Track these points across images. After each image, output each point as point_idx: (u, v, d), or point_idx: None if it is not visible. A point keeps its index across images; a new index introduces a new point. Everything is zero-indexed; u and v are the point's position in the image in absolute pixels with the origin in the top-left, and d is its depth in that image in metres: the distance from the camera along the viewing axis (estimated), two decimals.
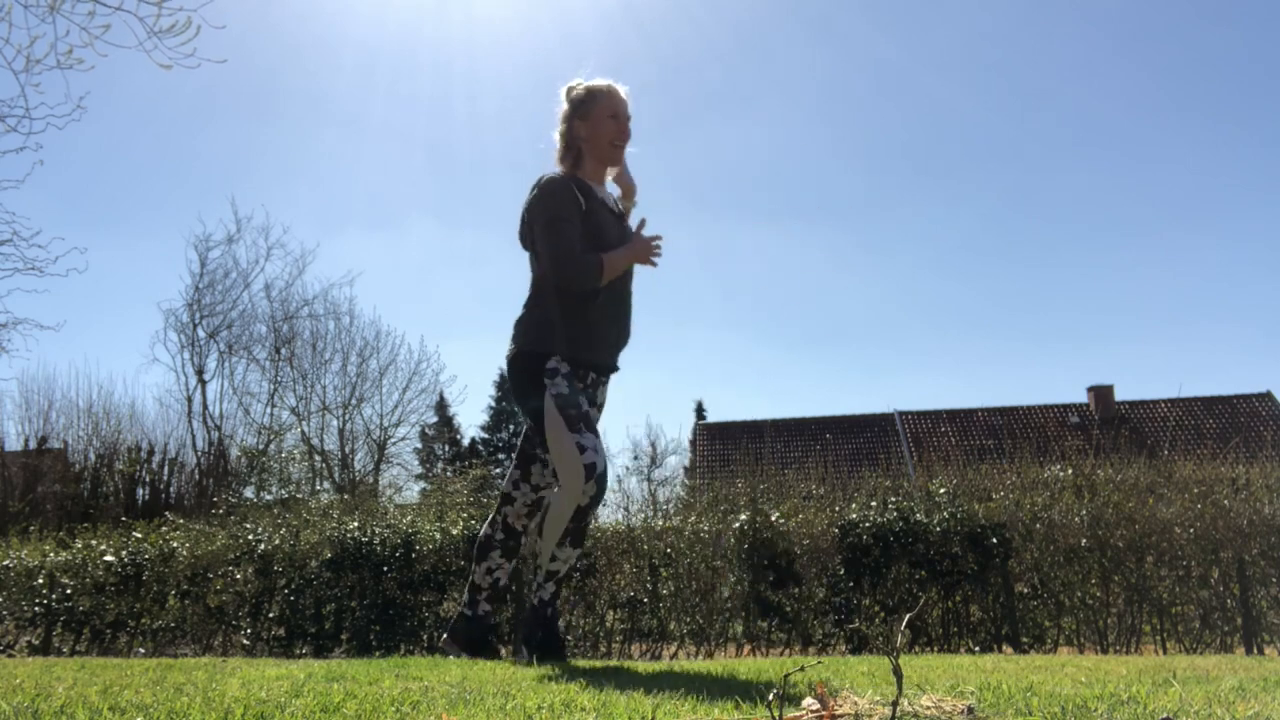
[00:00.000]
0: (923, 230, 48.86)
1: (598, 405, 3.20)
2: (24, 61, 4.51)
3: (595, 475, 2.85)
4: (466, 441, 35.35)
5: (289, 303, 20.79)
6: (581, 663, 3.20)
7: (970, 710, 1.63)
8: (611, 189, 3.33)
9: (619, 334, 3.18)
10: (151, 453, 15.97)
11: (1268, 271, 45.22)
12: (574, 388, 3.00)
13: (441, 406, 30.70)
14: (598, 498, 2.88)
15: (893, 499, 5.69)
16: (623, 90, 3.20)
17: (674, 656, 5.47)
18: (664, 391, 45.87)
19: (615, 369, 3.24)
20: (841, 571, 5.34)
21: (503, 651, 3.41)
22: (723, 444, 27.28)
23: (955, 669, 2.61)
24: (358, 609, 5.64)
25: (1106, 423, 25.00)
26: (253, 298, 20.98)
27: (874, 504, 5.62)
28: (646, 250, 3.11)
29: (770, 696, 1.38)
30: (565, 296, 3.03)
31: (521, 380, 3.04)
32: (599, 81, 3.20)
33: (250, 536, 6.13)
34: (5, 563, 6.64)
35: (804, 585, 5.47)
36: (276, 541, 6.03)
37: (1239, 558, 5.26)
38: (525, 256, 3.20)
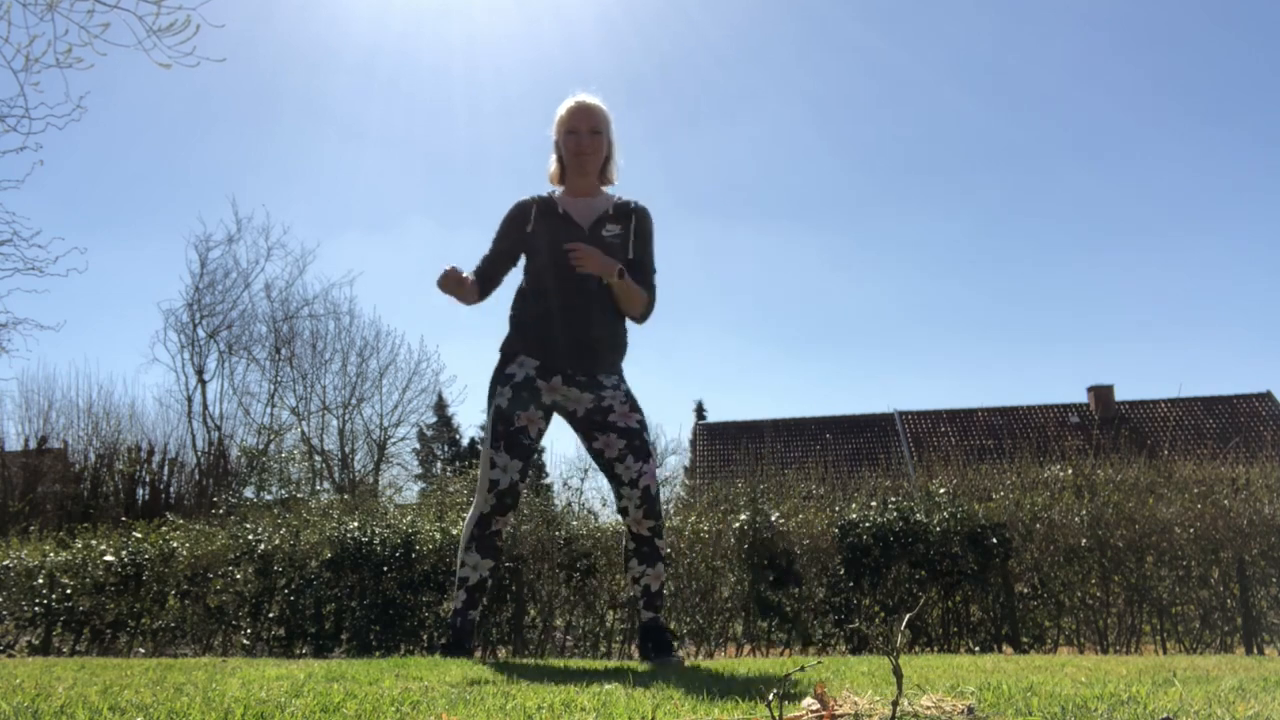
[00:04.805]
0: (922, 230, 48.88)
1: (568, 403, 3.19)
2: (23, 60, 4.50)
3: (497, 490, 3.11)
4: (466, 441, 35.32)
5: (289, 303, 20.79)
6: (581, 663, 3.20)
7: (970, 710, 1.62)
8: (596, 207, 3.24)
9: (573, 342, 3.14)
10: (151, 453, 15.97)
11: (1268, 271, 45.27)
12: (521, 398, 3.13)
13: (441, 407, 30.68)
14: (499, 508, 3.12)
15: (893, 499, 5.69)
16: (589, 100, 3.22)
17: None
18: (664, 392, 45.86)
19: (581, 374, 3.17)
20: (841, 571, 5.34)
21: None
22: (723, 444, 27.26)
23: (955, 669, 2.61)
24: (358, 609, 5.64)
25: (1106, 423, 24.97)
26: (253, 298, 20.93)
27: (874, 504, 5.62)
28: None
29: (770, 696, 1.38)
30: (524, 297, 3.27)
31: (490, 380, 3.24)
32: (570, 98, 3.25)
33: (250, 536, 6.13)
34: (5, 563, 6.64)
35: (804, 585, 5.47)
36: (276, 541, 6.02)
37: (1239, 558, 5.26)
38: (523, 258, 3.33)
